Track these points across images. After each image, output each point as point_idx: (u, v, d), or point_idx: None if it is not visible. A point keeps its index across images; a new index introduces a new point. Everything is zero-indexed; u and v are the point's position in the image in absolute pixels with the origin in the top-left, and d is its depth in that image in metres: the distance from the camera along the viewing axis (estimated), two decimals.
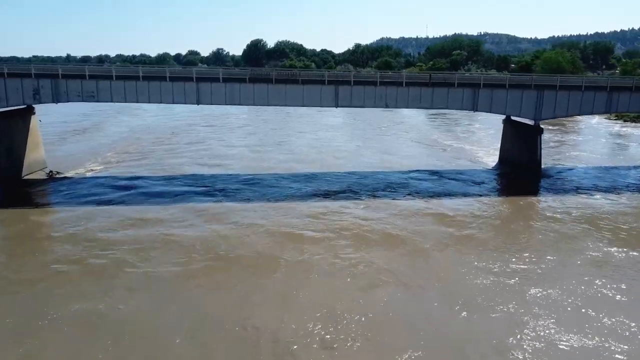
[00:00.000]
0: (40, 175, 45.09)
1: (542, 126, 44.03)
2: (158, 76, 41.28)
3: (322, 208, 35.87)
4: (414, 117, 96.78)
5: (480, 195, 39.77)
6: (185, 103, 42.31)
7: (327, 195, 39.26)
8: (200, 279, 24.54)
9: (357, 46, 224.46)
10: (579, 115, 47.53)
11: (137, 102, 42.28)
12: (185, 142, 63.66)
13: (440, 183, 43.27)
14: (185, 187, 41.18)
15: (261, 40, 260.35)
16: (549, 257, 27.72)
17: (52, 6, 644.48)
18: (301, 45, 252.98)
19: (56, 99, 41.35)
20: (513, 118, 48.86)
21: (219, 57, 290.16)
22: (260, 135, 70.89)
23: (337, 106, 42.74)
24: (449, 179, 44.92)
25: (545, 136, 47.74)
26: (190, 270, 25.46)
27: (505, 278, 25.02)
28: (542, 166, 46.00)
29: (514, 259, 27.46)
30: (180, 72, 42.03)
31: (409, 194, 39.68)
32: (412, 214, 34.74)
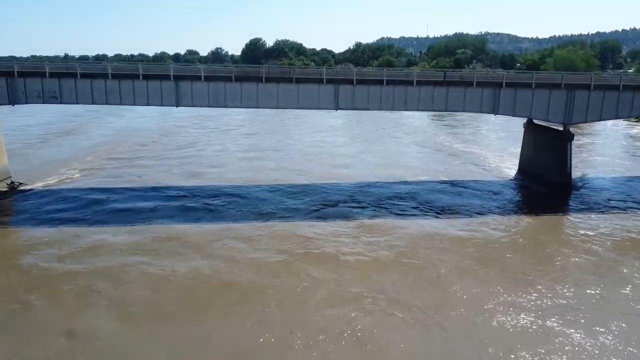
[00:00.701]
0: (1, 186, 39.57)
1: (572, 131, 38.43)
2: (130, 74, 35.69)
3: (318, 229, 30.31)
4: (417, 118, 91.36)
5: (502, 212, 34.15)
6: (162, 105, 36.68)
7: (325, 214, 33.59)
8: None
9: (358, 45, 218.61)
10: (615, 118, 41.84)
11: (107, 104, 36.68)
12: (173, 147, 58.01)
13: (452, 196, 37.61)
14: (163, 202, 35.58)
15: (260, 39, 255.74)
16: (590, 291, 22.82)
17: (49, 3, 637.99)
18: (300, 44, 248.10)
19: (13, 101, 35.79)
20: (536, 122, 43.31)
21: (217, 56, 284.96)
22: (256, 139, 65.25)
23: (337, 109, 37.14)
24: (462, 190, 39.34)
25: None
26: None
27: (541, 317, 20.28)
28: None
29: (548, 292, 22.57)
30: (155, 69, 36.50)
31: (418, 210, 34.10)
32: (424, 235, 29.27)
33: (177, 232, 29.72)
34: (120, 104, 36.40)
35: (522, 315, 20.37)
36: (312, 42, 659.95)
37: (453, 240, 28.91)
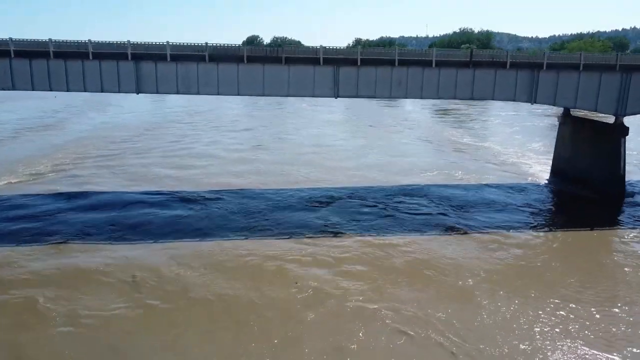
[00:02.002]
0: None
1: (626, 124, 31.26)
2: (77, 52, 28.44)
3: (311, 246, 23.34)
4: (417, 112, 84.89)
5: (543, 227, 27.21)
6: (119, 91, 29.38)
7: (323, 226, 26.58)
8: None
9: (358, 41, 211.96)
10: None
11: (51, 90, 29.39)
12: (153, 145, 50.70)
13: (482, 209, 30.54)
14: (122, 212, 28.62)
15: (258, 36, 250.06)
16: None
17: None
18: (299, 41, 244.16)
19: None
20: (573, 113, 36.21)
21: None
22: (248, 135, 58.11)
23: (336, 96, 29.88)
24: (490, 199, 32.29)
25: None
26: None
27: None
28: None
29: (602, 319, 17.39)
30: (108, 46, 29.28)
31: (432, 220, 27.10)
32: (447, 244, 22.24)
33: (120, 261, 22.67)
34: (68, 90, 29.07)
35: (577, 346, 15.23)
36: (311, 40, 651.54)
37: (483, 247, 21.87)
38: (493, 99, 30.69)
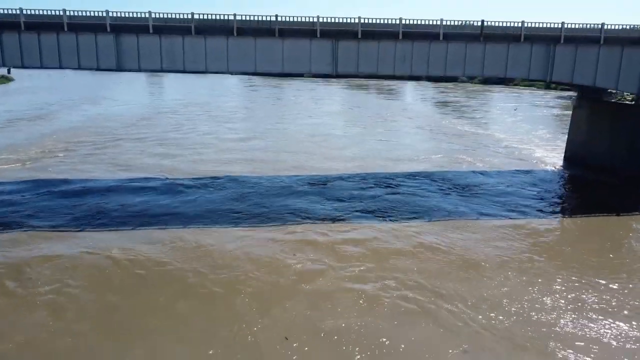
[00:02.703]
0: None
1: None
2: (52, 23, 25.93)
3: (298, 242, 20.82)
4: (417, 104, 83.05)
5: (563, 213, 24.76)
6: (98, 68, 26.90)
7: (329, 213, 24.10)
8: None
9: None
10: None
11: (23, 66, 27.04)
12: (146, 135, 47.99)
13: (489, 194, 28.12)
14: (84, 204, 26.07)
15: None
16: None
17: None
18: None
19: None
20: (582, 93, 33.79)
21: None
22: (242, 125, 55.59)
23: (335, 73, 27.41)
24: (503, 188, 29.84)
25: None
26: None
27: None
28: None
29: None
30: (85, 17, 26.83)
31: (441, 205, 24.65)
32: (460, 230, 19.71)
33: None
34: (41, 66, 26.57)
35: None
36: None
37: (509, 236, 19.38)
38: (505, 76, 28.28)
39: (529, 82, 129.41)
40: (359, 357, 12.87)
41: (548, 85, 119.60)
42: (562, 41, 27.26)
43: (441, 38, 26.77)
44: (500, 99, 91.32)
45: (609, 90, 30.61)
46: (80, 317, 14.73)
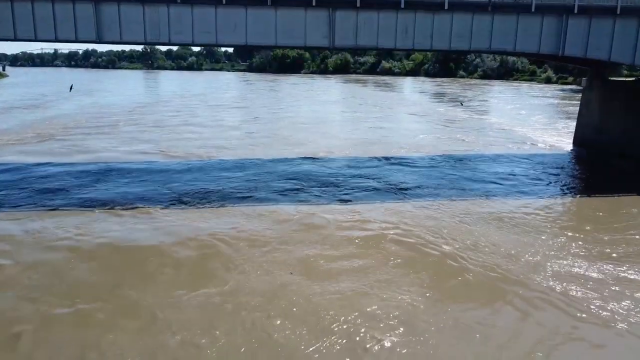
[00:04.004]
0: None
1: None
2: None
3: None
4: (415, 95, 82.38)
5: (579, 195, 22.93)
6: (76, 40, 24.92)
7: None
8: None
9: None
10: None
11: None
12: (143, 121, 46.40)
13: (498, 179, 26.36)
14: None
15: None
16: None
17: None
18: None
19: None
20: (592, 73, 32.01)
21: (210, 51, 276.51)
22: (239, 112, 53.98)
23: (332, 45, 25.49)
24: (511, 174, 28.07)
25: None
26: None
27: None
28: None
29: None
30: None
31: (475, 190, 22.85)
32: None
33: None
34: (15, 38, 24.50)
35: None
36: None
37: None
38: (514, 50, 26.33)
39: (528, 77, 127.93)
40: None
41: (548, 80, 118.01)
42: (575, 11, 25.43)
43: (446, 7, 24.86)
44: (497, 90, 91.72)
45: (623, 64, 28.83)
46: None
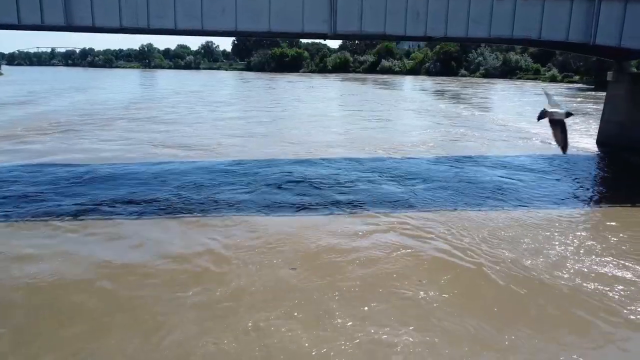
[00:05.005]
0: None
1: None
2: None
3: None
4: (415, 93, 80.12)
5: (610, 202, 19.88)
6: (42, 22, 21.65)
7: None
8: None
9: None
10: None
11: None
12: (129, 118, 43.37)
13: (521, 184, 23.33)
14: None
15: None
16: None
17: None
18: None
19: None
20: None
21: (208, 50, 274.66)
22: (236, 108, 51.00)
23: (333, 31, 22.46)
24: (534, 177, 25.05)
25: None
26: None
27: None
28: None
29: None
30: None
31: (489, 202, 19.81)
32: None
33: None
34: None
35: None
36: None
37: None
38: (540, 39, 23.34)
39: (532, 76, 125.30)
40: None
41: (553, 78, 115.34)
42: None
43: None
44: (500, 88, 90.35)
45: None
46: None
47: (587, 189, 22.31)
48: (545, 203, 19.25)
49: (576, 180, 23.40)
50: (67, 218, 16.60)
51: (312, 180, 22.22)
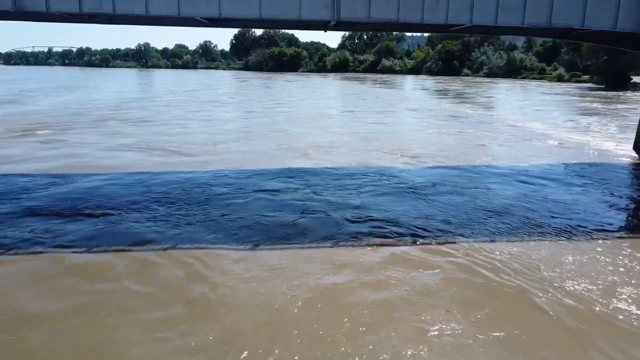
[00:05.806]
0: None
1: None
2: None
3: None
4: (416, 92, 77.34)
5: None
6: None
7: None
8: None
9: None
10: None
11: None
12: (120, 118, 39.80)
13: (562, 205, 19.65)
14: None
15: (249, 30, 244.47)
16: None
17: None
18: (292, 34, 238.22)
19: None
20: None
21: (206, 49, 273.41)
22: (234, 108, 47.58)
23: (337, 19, 18.85)
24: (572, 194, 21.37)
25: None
26: None
27: None
28: None
29: None
30: None
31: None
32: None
33: None
34: None
35: None
36: (306, 37, 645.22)
37: None
38: (582, 25, 19.67)
39: (537, 75, 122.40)
40: None
41: (560, 78, 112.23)
42: None
43: None
44: (504, 87, 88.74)
45: None
46: None
47: (629, 200, 18.75)
48: (584, 219, 15.69)
49: (613, 192, 19.79)
50: None
51: (314, 187, 18.54)
